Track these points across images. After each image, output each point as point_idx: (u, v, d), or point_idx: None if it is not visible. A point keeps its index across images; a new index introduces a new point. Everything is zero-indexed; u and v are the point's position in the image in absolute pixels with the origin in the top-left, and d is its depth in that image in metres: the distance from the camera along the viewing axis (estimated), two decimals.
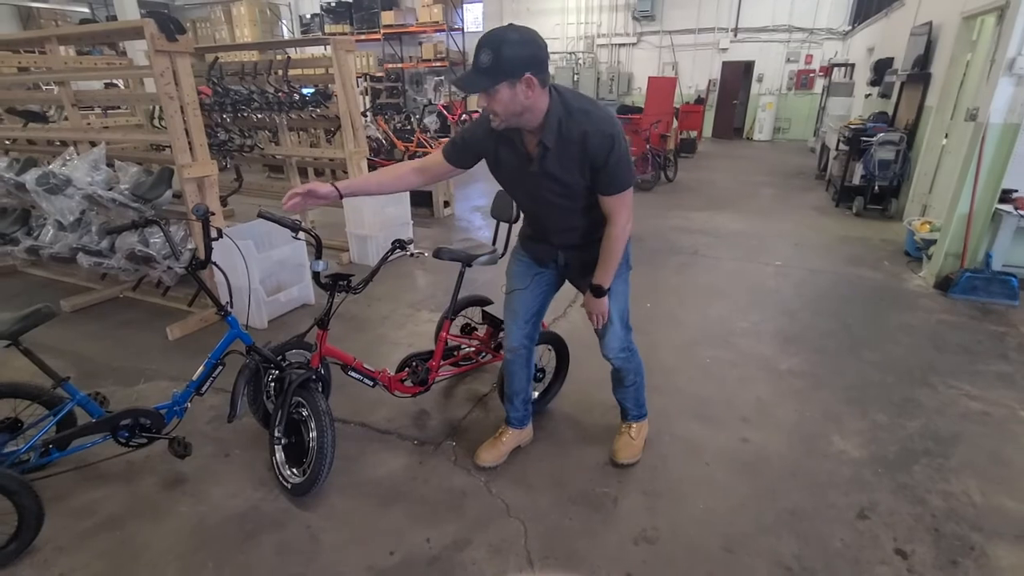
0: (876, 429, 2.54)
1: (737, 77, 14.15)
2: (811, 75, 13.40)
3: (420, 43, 15.64)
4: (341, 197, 1.87)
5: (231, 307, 2.19)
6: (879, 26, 8.87)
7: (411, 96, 15.83)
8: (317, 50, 7.67)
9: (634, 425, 2.36)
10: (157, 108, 5.32)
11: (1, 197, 3.93)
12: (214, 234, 2.09)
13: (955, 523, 2.00)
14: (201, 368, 2.19)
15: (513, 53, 1.51)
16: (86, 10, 16.52)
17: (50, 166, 3.50)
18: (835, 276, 4.50)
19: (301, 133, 7.62)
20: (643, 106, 9.43)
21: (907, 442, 2.45)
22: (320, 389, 2.18)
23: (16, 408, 2.09)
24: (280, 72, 4.85)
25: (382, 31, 15.37)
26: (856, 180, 6.30)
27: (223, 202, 4.26)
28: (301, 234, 2.14)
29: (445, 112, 10.82)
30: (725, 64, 14.09)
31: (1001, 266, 3.97)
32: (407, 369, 2.53)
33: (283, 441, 2.14)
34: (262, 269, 3.51)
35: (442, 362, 2.57)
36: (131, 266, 3.48)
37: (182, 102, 3.16)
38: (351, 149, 4.61)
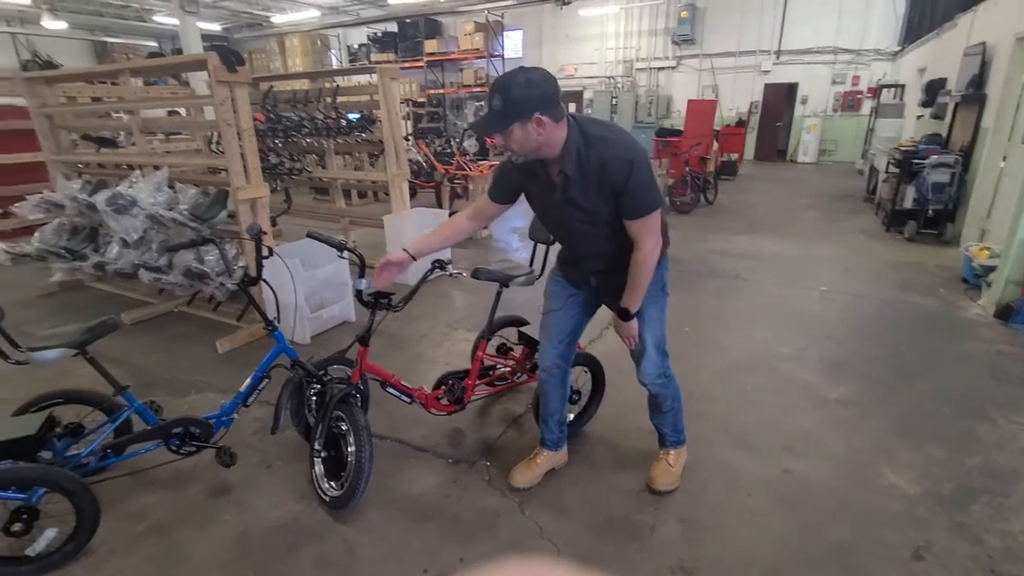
0: (931, 464, 2.40)
1: (780, 99, 13.93)
2: (859, 96, 13.08)
3: (461, 69, 16.12)
4: (414, 259, 1.99)
5: (278, 322, 2.28)
6: (930, 46, 8.61)
7: (451, 120, 16.24)
8: (363, 78, 8.01)
9: (672, 451, 2.31)
10: (215, 134, 5.65)
11: (74, 216, 4.23)
12: (265, 252, 2.20)
13: (1012, 563, 1.87)
14: (248, 380, 2.29)
15: (521, 95, 1.58)
16: (154, 44, 17.81)
17: (118, 188, 3.76)
18: (886, 302, 4.32)
19: (346, 157, 7.93)
20: (682, 129, 9.40)
21: (964, 478, 2.31)
22: (359, 404, 2.23)
23: (80, 414, 2.22)
24: (329, 99, 5.09)
25: (425, 59, 15.92)
26: (908, 204, 6.06)
27: (273, 222, 4.45)
28: (346, 253, 2.23)
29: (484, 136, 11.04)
30: (767, 86, 13.91)
31: None
32: (443, 387, 2.56)
33: (323, 454, 2.19)
34: (307, 287, 3.64)
35: (478, 381, 2.60)
36: (186, 282, 3.67)
37: (239, 128, 3.35)
38: (393, 172, 4.77)
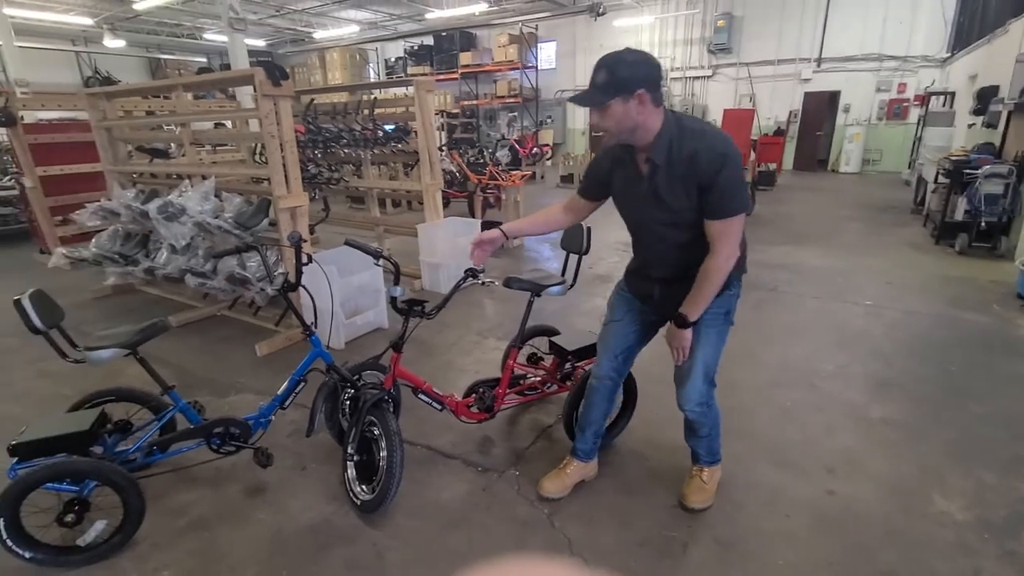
0: (983, 489, 2.28)
1: (821, 107, 13.54)
2: (905, 104, 12.62)
3: (495, 81, 16.31)
4: (507, 239, 2.03)
5: (315, 327, 2.34)
6: (981, 52, 8.26)
7: (484, 131, 16.43)
8: (400, 90, 8.20)
9: (706, 469, 2.25)
10: (259, 145, 5.86)
11: (128, 223, 4.45)
12: (304, 259, 2.26)
13: None
14: (285, 384, 2.35)
15: (627, 71, 1.60)
16: (204, 60, 18.70)
17: (168, 196, 3.94)
18: (935, 318, 4.13)
19: (381, 167, 8.10)
20: None
21: (1017, 505, 2.18)
22: (391, 410, 2.26)
23: (128, 411, 2.33)
24: (366, 111, 5.22)
25: (460, 71, 16.19)
26: (959, 215, 5.80)
27: (311, 230, 4.58)
28: (381, 261, 2.28)
29: (517, 146, 11.13)
30: (807, 94, 13.57)
31: None
32: (474, 395, 2.58)
33: (355, 458, 2.23)
34: (343, 293, 3.72)
35: (508, 390, 2.60)
36: (229, 287, 3.81)
37: (281, 140, 3.47)
38: (427, 181, 4.85)
